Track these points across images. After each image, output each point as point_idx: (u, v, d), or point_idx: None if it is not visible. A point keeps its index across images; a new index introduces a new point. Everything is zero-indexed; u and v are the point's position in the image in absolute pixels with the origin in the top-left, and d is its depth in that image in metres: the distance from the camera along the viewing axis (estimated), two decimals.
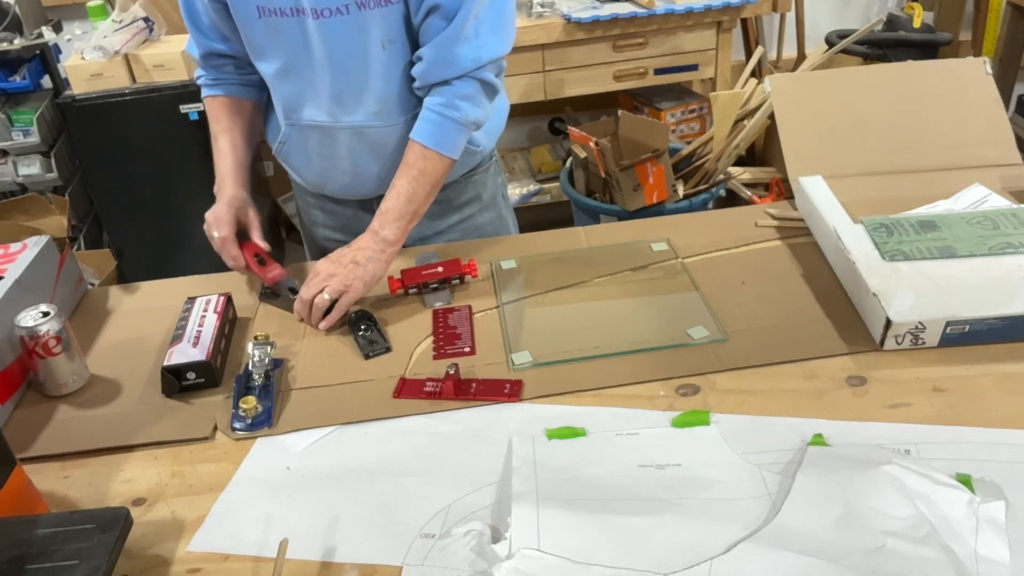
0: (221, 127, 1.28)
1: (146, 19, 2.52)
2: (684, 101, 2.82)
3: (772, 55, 3.10)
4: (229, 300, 1.16)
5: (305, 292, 1.14)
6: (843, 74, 1.46)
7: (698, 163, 2.29)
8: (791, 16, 2.99)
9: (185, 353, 1.03)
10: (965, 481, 0.79)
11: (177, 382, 1.02)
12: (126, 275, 2.48)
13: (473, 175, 1.37)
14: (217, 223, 1.21)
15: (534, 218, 2.50)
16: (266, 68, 1.21)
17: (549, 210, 2.83)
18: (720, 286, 1.15)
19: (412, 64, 1.18)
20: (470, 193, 1.38)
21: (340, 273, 1.13)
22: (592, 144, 2.08)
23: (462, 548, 0.77)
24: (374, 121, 1.21)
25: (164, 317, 1.18)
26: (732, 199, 2.54)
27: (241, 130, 1.29)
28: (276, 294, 1.21)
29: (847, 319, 1.05)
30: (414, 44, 1.17)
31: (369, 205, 1.31)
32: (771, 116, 1.66)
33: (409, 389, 1.01)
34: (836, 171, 1.29)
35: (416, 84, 1.18)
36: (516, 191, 2.83)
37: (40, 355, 1.01)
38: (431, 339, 1.10)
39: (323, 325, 1.13)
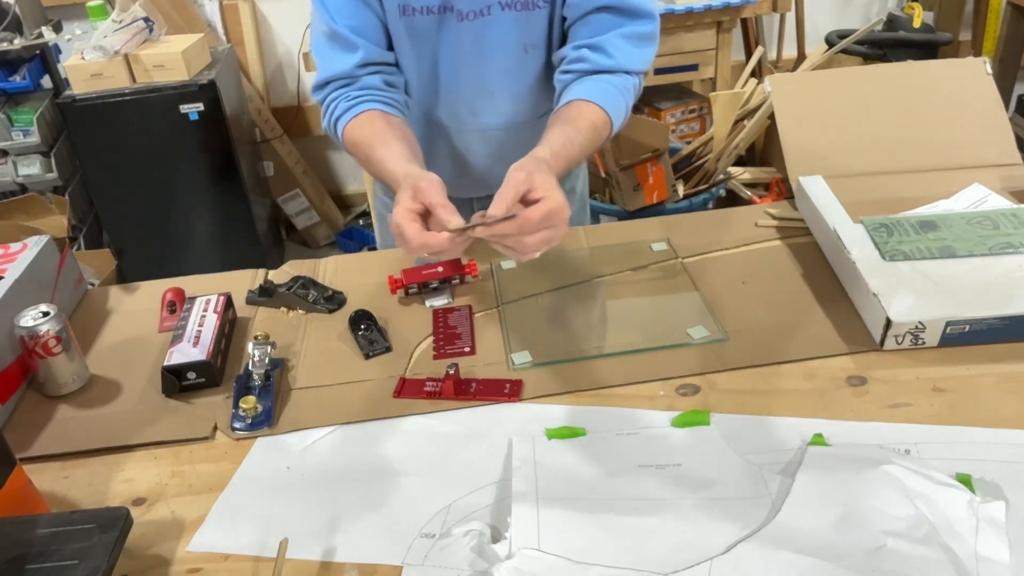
0: (376, 139, 1.07)
1: (146, 19, 2.52)
2: (684, 101, 2.82)
3: (772, 55, 3.10)
4: (229, 300, 1.16)
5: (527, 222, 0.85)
6: (843, 74, 1.46)
7: (698, 163, 2.29)
8: (791, 16, 2.99)
9: (185, 353, 1.03)
10: (965, 481, 0.79)
11: (177, 382, 1.02)
12: (126, 275, 2.48)
13: None
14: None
15: None
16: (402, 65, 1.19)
17: None
18: (720, 286, 1.15)
19: (548, 67, 1.17)
20: None
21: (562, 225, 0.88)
22: None
23: (462, 548, 0.77)
24: (501, 122, 1.22)
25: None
26: (732, 199, 2.54)
27: (399, 134, 1.07)
28: (268, 294, 1.20)
29: (847, 319, 1.05)
30: (552, 48, 1.16)
31: (469, 205, 1.30)
32: (771, 116, 1.66)
33: (409, 389, 1.01)
34: (836, 171, 1.29)
35: (583, 67, 1.10)
36: None
37: (40, 355, 1.01)
38: (431, 339, 1.10)
39: (482, 232, 0.85)
